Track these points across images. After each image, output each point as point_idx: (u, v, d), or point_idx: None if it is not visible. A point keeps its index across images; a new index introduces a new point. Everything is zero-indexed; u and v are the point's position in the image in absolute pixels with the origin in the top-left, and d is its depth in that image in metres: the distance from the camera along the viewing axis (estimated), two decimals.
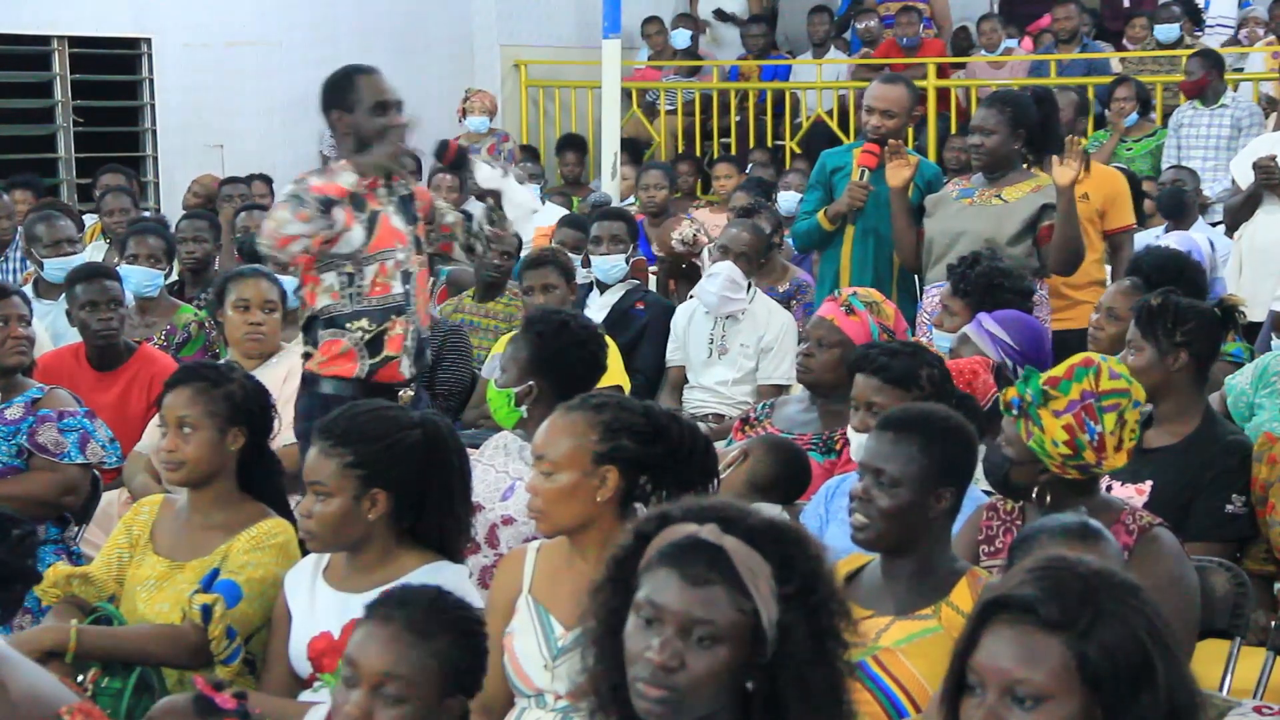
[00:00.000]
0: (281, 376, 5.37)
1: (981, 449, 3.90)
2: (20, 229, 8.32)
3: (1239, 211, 7.97)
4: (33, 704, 2.69)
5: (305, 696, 3.54)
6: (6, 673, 2.72)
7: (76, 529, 5.10)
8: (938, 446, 3.37)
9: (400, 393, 4.98)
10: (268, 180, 10.20)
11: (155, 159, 11.60)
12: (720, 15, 13.88)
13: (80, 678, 3.59)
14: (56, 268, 6.91)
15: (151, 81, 11.49)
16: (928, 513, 3.35)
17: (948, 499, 3.37)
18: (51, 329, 6.64)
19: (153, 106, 11.55)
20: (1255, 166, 7.69)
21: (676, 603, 2.31)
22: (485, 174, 5.33)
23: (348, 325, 4.99)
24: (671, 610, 2.31)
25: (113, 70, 11.56)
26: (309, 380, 5.07)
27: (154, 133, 11.60)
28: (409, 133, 5.15)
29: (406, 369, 5.06)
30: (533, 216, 5.43)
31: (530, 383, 4.26)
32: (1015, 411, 3.62)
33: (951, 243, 6.09)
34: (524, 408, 4.24)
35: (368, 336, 4.99)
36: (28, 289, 6.92)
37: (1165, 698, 2.07)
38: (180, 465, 3.90)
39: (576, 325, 4.46)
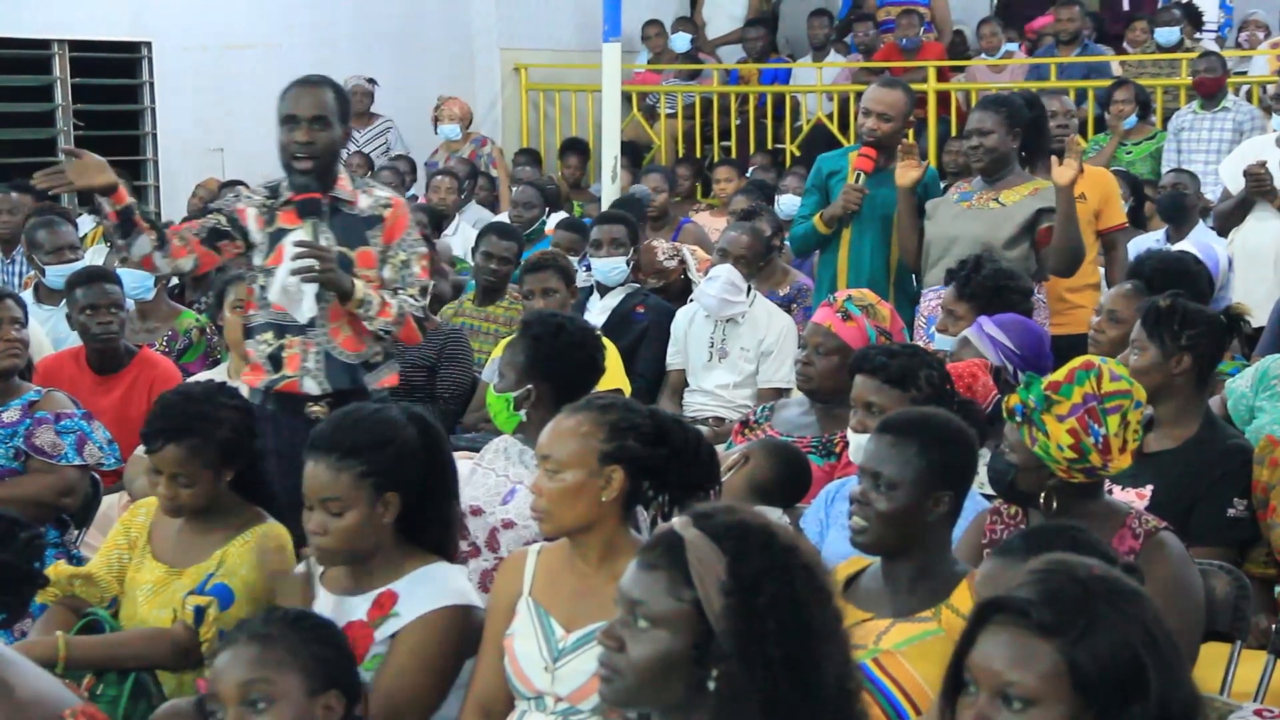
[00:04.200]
0: None
1: (984, 454, 3.90)
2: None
3: (1229, 216, 7.99)
4: (38, 706, 2.70)
5: None
6: (12, 675, 2.72)
7: (76, 533, 5.10)
8: (936, 450, 3.37)
9: (308, 408, 4.84)
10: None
11: (156, 162, 11.61)
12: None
13: (76, 684, 3.59)
14: (58, 274, 6.91)
15: (152, 85, 11.49)
16: (926, 516, 3.35)
17: (946, 503, 3.37)
18: (53, 334, 6.65)
19: (153, 110, 11.56)
20: (1245, 174, 7.71)
21: (625, 585, 2.40)
22: (288, 241, 4.86)
23: (257, 336, 4.94)
24: (621, 591, 2.40)
25: (113, 74, 11.57)
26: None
27: (154, 136, 11.61)
28: (311, 150, 4.82)
29: (312, 387, 4.88)
30: (295, 305, 4.85)
31: (529, 386, 4.26)
32: (1019, 418, 3.62)
33: (948, 246, 6.09)
34: (523, 411, 4.24)
35: (268, 350, 4.90)
36: (28, 294, 6.93)
37: (1158, 707, 2.07)
38: (181, 509, 3.95)
39: (573, 327, 4.45)
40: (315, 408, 4.84)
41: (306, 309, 4.83)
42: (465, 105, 12.24)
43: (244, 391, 4.76)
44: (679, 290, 7.40)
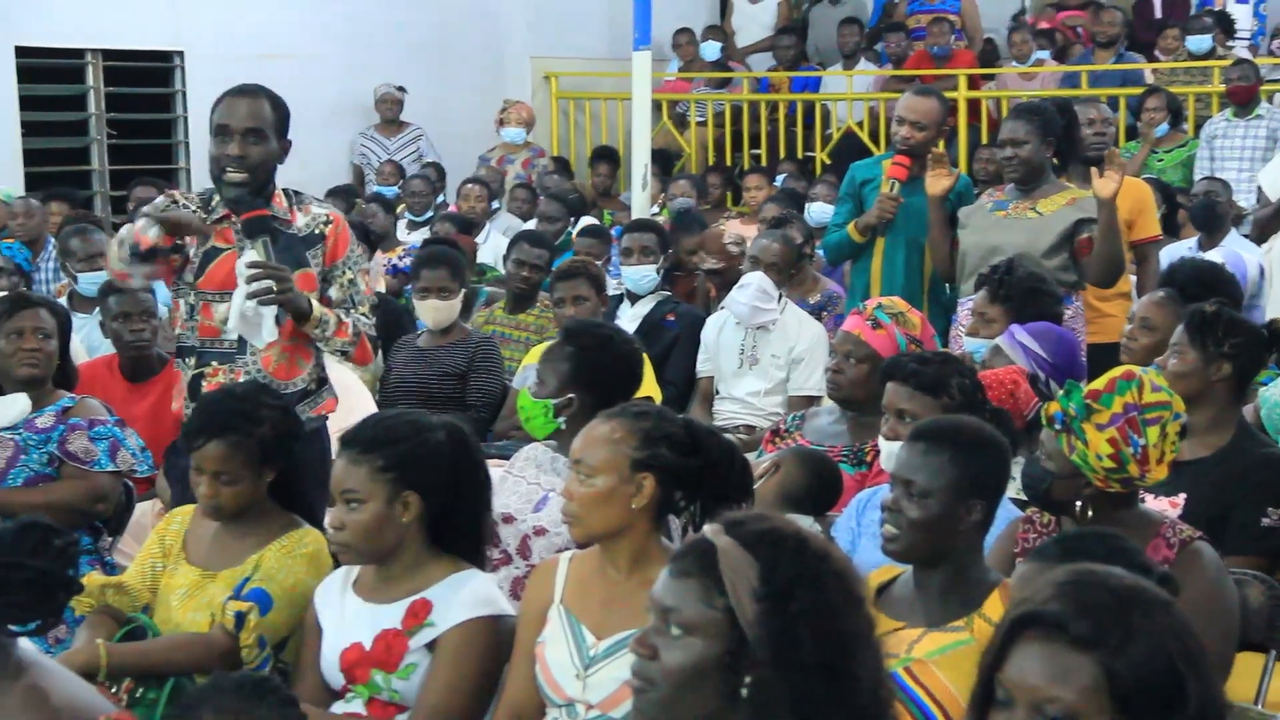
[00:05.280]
0: None
1: (1018, 462, 3.89)
2: (53, 240, 8.40)
3: (1269, 223, 7.94)
4: (72, 713, 2.71)
5: (338, 707, 3.55)
6: (48, 682, 2.74)
7: (110, 539, 5.12)
8: (968, 459, 3.37)
9: None
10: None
11: (188, 171, 11.66)
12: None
13: (114, 689, 3.61)
14: (91, 282, 6.96)
15: (184, 94, 11.56)
16: (957, 525, 3.34)
17: (978, 511, 3.36)
18: (86, 342, 6.69)
19: (185, 119, 11.62)
20: None
21: (657, 592, 2.39)
22: (240, 262, 4.53)
23: (184, 358, 4.71)
24: (653, 599, 2.39)
25: (146, 83, 11.63)
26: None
27: (187, 145, 11.66)
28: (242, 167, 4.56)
29: None
30: (255, 331, 4.53)
31: (570, 395, 4.25)
32: (1058, 425, 3.61)
33: (987, 255, 6.07)
34: (562, 419, 4.24)
35: (189, 375, 4.67)
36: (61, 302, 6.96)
37: (1196, 717, 2.06)
38: (220, 510, 3.94)
39: (619, 339, 4.45)
40: None
41: (266, 333, 4.54)
42: (530, 110, 12.31)
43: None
44: (734, 279, 7.39)
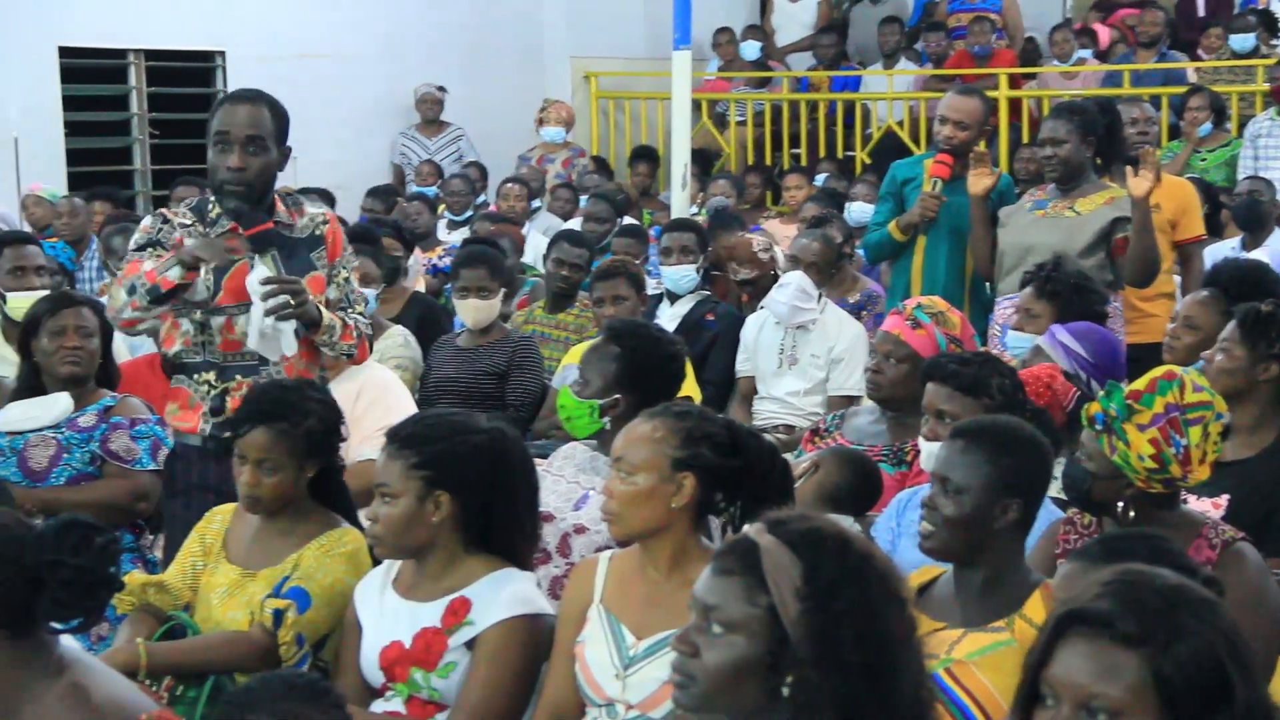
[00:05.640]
0: (354, 393, 5.36)
1: (1059, 463, 3.87)
2: (96, 238, 8.46)
3: None
4: (114, 710, 2.72)
5: (378, 705, 3.56)
6: (90, 680, 2.75)
7: (151, 537, 5.14)
8: (1006, 457, 3.36)
9: None
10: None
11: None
12: None
13: (155, 687, 3.63)
14: None
15: (226, 94, 11.60)
16: (993, 523, 3.33)
17: (1014, 511, 3.35)
18: (128, 340, 6.71)
19: None
20: None
21: (699, 590, 2.39)
22: (252, 279, 4.44)
23: (195, 376, 4.60)
24: (695, 597, 2.39)
25: (188, 83, 11.69)
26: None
27: None
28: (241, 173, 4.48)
29: None
30: (274, 347, 4.44)
31: (617, 396, 4.25)
32: (1099, 426, 3.60)
33: (1023, 254, 6.06)
34: (606, 420, 4.23)
35: (212, 391, 4.57)
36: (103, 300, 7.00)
37: (1242, 717, 2.05)
38: (259, 501, 3.93)
39: (665, 341, 4.44)
40: None
41: (286, 347, 4.45)
42: (570, 110, 12.33)
43: (175, 438, 4.64)
44: (768, 286, 7.37)
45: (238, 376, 4.56)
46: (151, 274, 4.36)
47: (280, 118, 4.63)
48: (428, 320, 7.20)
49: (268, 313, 4.38)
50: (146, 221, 4.63)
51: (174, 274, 4.35)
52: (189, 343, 4.59)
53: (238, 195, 4.49)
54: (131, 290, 4.40)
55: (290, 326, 4.43)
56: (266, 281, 4.39)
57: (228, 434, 3.96)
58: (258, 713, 2.57)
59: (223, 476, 4.39)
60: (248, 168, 4.50)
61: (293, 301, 4.38)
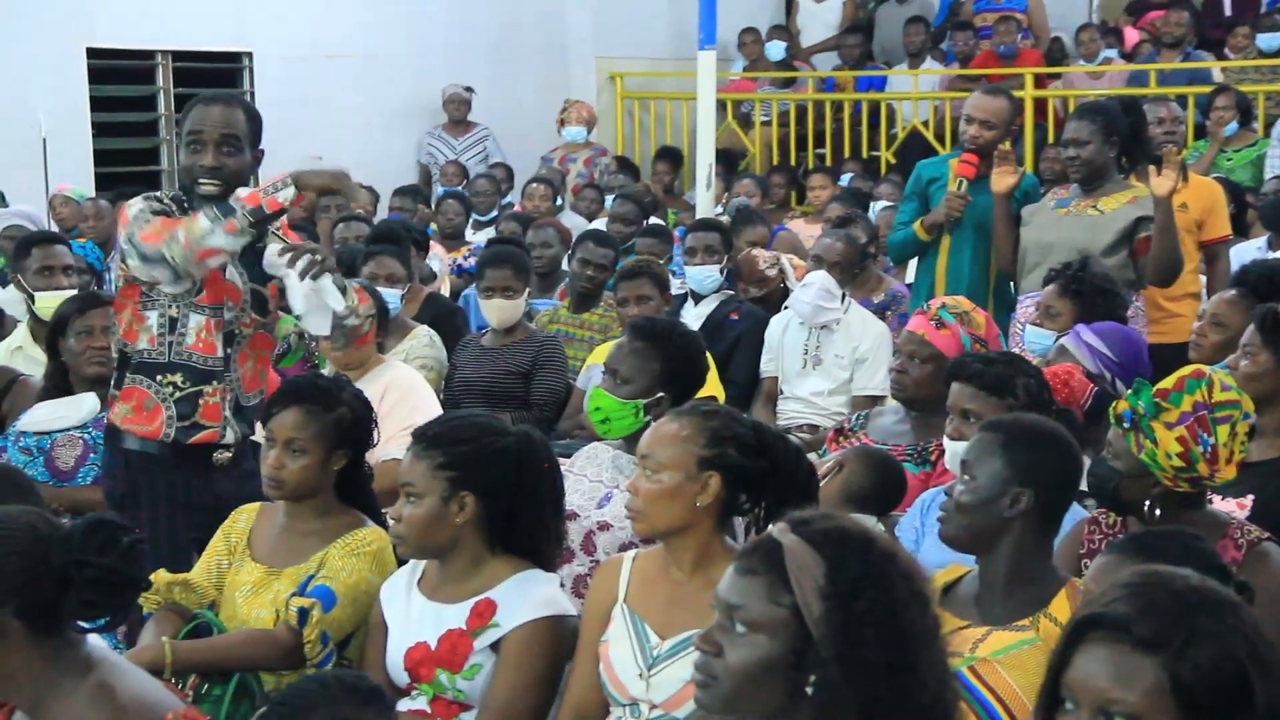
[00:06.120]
0: (380, 391, 5.37)
1: (1085, 461, 3.87)
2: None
3: None
4: (140, 709, 2.73)
5: (403, 705, 3.57)
6: (116, 678, 2.76)
7: None
8: (1019, 446, 3.38)
9: (216, 455, 4.44)
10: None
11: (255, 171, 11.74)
12: None
13: (180, 685, 3.64)
14: None
15: (252, 94, 11.64)
16: (1001, 511, 3.34)
17: (1024, 501, 3.35)
18: None
19: None
20: None
21: (723, 590, 2.40)
22: (270, 256, 4.39)
23: (159, 376, 4.41)
24: (719, 596, 2.39)
25: (215, 84, 11.71)
26: (112, 433, 4.52)
27: None
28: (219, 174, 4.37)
29: (230, 436, 4.46)
30: (331, 314, 4.36)
31: (661, 394, 4.26)
32: (1126, 424, 3.60)
33: (1045, 252, 6.06)
34: (650, 418, 4.22)
35: (178, 394, 4.39)
36: None
37: (1264, 719, 2.04)
38: (282, 485, 3.93)
39: (695, 337, 4.49)
40: (224, 454, 4.46)
41: (333, 301, 4.31)
42: (592, 110, 12.35)
43: (132, 443, 4.43)
44: (779, 299, 7.37)
45: (214, 382, 4.42)
46: (254, 196, 4.20)
47: (254, 120, 4.53)
48: (442, 321, 7.20)
49: (301, 274, 4.24)
50: (138, 201, 4.43)
51: (286, 195, 4.20)
52: (154, 341, 4.42)
53: (214, 194, 4.33)
54: (215, 219, 4.17)
55: (328, 280, 4.30)
56: (284, 251, 4.30)
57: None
58: (318, 716, 2.56)
59: (189, 486, 4.40)
60: (223, 167, 4.38)
61: (318, 256, 4.27)
